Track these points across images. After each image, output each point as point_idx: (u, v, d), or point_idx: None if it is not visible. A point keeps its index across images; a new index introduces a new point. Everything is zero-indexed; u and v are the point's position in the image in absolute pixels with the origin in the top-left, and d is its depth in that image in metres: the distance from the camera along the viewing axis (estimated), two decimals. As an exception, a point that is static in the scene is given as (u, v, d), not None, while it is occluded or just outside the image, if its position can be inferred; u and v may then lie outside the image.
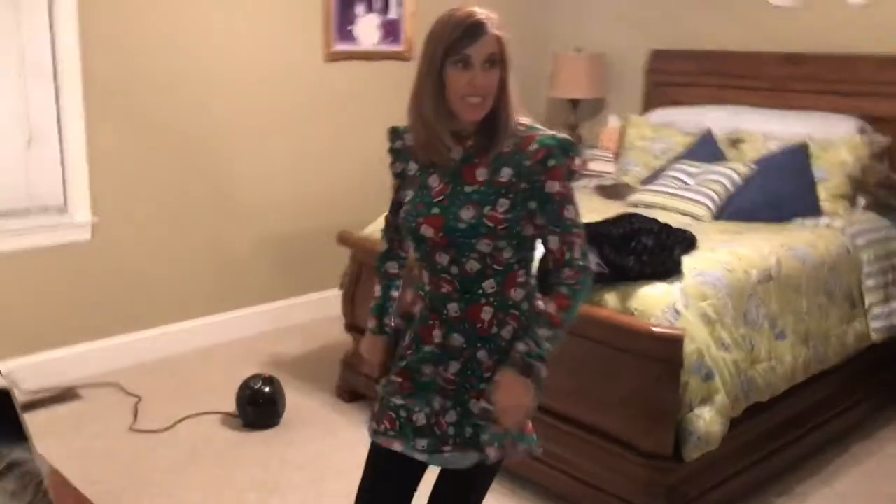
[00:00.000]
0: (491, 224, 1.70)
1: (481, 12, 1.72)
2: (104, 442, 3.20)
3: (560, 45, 5.03)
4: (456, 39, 1.68)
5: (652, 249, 2.68)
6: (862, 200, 3.65)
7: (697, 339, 2.53)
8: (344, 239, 3.49)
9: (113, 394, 3.60)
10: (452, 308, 1.79)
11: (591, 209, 3.64)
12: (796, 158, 3.62)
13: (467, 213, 1.71)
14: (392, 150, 1.89)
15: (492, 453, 1.80)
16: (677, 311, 2.55)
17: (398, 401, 1.84)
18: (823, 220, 3.46)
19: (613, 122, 4.80)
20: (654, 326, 2.46)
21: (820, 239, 3.25)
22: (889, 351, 3.46)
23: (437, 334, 1.81)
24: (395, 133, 1.88)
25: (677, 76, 4.54)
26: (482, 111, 1.71)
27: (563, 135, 1.76)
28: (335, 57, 4.32)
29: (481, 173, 1.73)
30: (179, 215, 3.95)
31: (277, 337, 4.25)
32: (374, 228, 3.48)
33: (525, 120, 1.78)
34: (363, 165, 4.41)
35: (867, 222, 3.49)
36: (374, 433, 1.87)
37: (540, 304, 1.79)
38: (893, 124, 3.80)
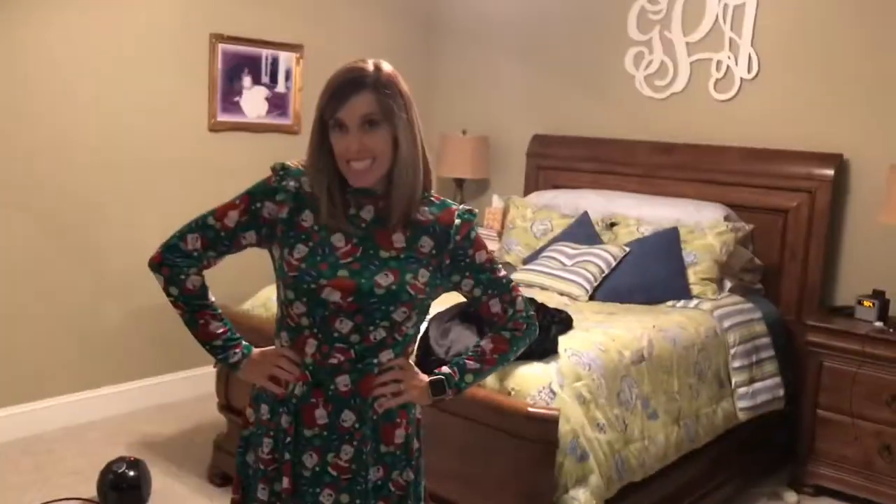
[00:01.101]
0: (412, 293, 1.63)
1: (363, 65, 1.60)
2: (-55, 533, 2.94)
3: (446, 125, 5.15)
4: (326, 102, 1.59)
5: (529, 330, 2.72)
6: (728, 283, 3.83)
7: (572, 420, 2.55)
8: (220, 314, 3.38)
9: (-41, 479, 3.33)
10: (342, 381, 1.64)
11: (473, 288, 3.70)
12: (667, 242, 3.78)
13: (386, 280, 1.61)
14: (279, 188, 1.66)
15: None
16: (553, 392, 2.58)
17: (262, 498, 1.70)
18: (693, 303, 3.61)
19: (497, 202, 4.91)
20: (531, 406, 2.48)
21: (690, 321, 3.38)
22: (753, 430, 3.59)
23: (320, 414, 1.65)
24: (286, 171, 1.68)
25: (557, 160, 4.70)
26: (371, 176, 1.61)
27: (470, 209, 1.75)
28: (219, 127, 4.28)
29: (398, 240, 1.65)
30: (43, 284, 3.76)
31: (148, 416, 4.05)
32: (254, 304, 3.41)
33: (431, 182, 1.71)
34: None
35: (733, 305, 3.65)
36: None
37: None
38: (755, 212, 4.03)
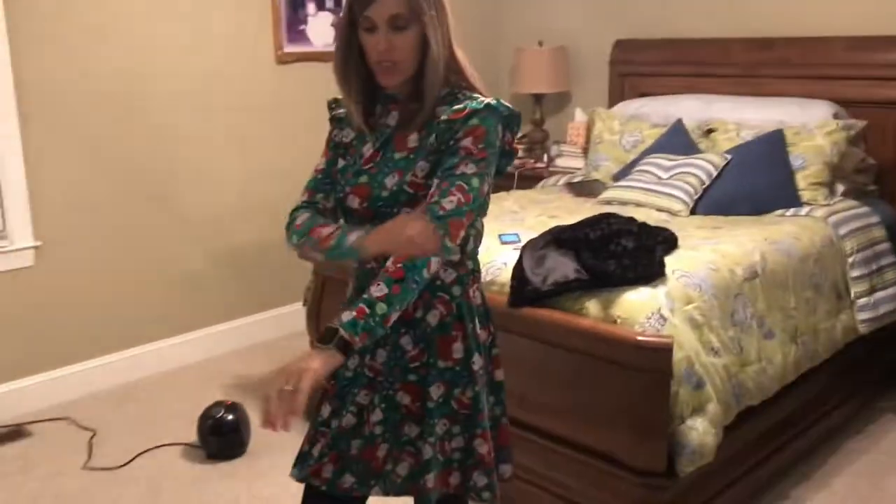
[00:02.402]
0: (411, 191, 1.59)
1: None
2: (57, 483, 2.98)
3: (521, 38, 4.87)
4: (356, 1, 1.58)
5: (633, 252, 2.52)
6: (840, 187, 3.54)
7: (686, 346, 2.37)
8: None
9: (65, 429, 3.37)
10: (375, 286, 1.57)
11: (563, 208, 3.51)
12: (772, 147, 3.49)
13: (391, 181, 1.61)
14: (332, 119, 1.77)
15: (430, 482, 1.66)
16: (663, 317, 2.40)
17: (324, 415, 1.74)
18: (804, 210, 3.34)
19: (580, 116, 4.65)
20: (640, 335, 2.30)
21: (803, 230, 3.12)
22: (875, 343, 3.34)
23: None
24: (336, 102, 1.77)
25: (643, 66, 4.40)
26: (396, 76, 1.60)
27: (505, 103, 1.61)
28: (287, 59, 4.12)
29: (413, 139, 1.62)
30: (128, 234, 3.72)
31: (240, 357, 4.04)
32: (337, 240, 3.29)
33: (478, 85, 1.65)
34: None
35: (848, 210, 3.36)
36: (304, 473, 1.74)
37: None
38: (865, 107, 3.69)
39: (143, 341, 3.84)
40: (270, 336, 4.21)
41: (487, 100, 1.59)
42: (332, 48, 4.13)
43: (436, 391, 1.67)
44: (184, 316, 3.96)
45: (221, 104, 3.94)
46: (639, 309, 2.40)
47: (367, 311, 1.50)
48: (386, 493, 1.72)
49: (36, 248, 3.45)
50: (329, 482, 1.73)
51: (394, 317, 1.53)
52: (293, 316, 3.97)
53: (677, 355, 2.31)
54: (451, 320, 1.66)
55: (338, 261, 1.81)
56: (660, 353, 2.26)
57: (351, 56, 1.63)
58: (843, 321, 3.13)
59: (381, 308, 1.51)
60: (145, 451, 3.17)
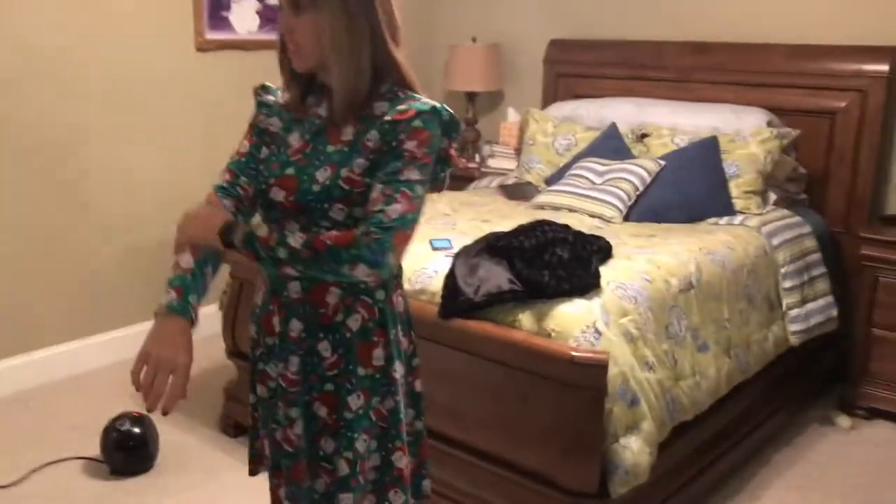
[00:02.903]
0: (346, 187, 1.49)
1: None
2: (-60, 503, 2.72)
3: (454, 35, 4.74)
4: None
5: (567, 262, 2.42)
6: (772, 196, 3.51)
7: (621, 361, 2.28)
8: (221, 254, 3.09)
9: (-47, 441, 3.10)
10: (293, 288, 1.56)
11: (496, 212, 3.40)
12: (706, 153, 3.45)
13: (323, 175, 1.51)
14: (260, 104, 1.69)
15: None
16: (598, 331, 2.30)
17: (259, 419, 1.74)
18: (737, 219, 3.29)
19: (513, 115, 4.55)
20: (574, 350, 2.20)
21: (737, 240, 3.07)
22: (804, 353, 3.32)
23: (276, 321, 1.60)
24: (265, 88, 1.70)
25: (579, 67, 4.31)
26: (301, 60, 1.53)
27: (448, 109, 1.53)
28: (208, 46, 3.89)
29: (348, 132, 1.53)
30: (31, 229, 3.45)
31: (152, 361, 3.79)
32: (256, 241, 3.10)
33: (415, 86, 1.56)
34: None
35: (780, 220, 3.34)
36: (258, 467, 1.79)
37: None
38: (798, 116, 3.68)
39: (46, 344, 3.58)
40: (186, 339, 3.98)
41: (432, 103, 1.51)
42: (256, 36, 4.01)
43: (355, 401, 1.58)
44: (92, 318, 3.71)
45: (137, 95, 3.69)
46: (573, 322, 2.30)
47: (274, 240, 1.45)
48: None
49: (-76, 243, 3.17)
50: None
51: (284, 269, 1.48)
52: (208, 318, 3.74)
53: (612, 371, 2.21)
54: (373, 326, 1.58)
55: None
56: (595, 370, 2.15)
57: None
58: (774, 332, 3.10)
59: (282, 252, 1.45)
60: (42, 467, 2.93)
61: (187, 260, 1.61)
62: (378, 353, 1.59)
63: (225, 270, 3.16)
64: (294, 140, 1.58)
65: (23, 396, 3.44)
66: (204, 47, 3.88)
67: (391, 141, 1.47)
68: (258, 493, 1.88)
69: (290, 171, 1.55)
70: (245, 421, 3.07)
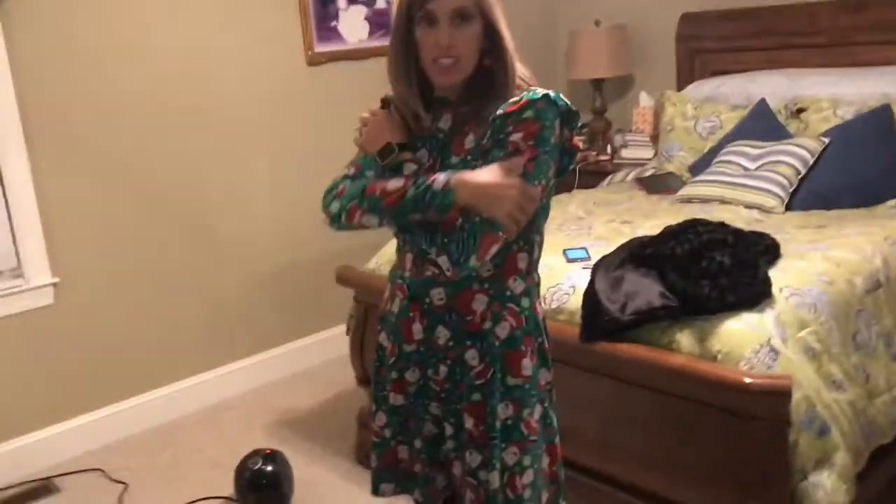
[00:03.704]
0: None
1: None
2: (81, 551, 2.67)
3: (575, 20, 4.41)
4: None
5: (730, 268, 2.08)
6: (960, 168, 3.02)
7: (804, 384, 1.93)
8: (344, 277, 2.92)
9: (96, 482, 3.06)
10: (436, 295, 1.54)
11: (636, 210, 3.08)
12: (878, 125, 2.99)
13: None
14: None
15: None
16: (774, 349, 1.95)
17: (389, 430, 1.69)
18: (923, 200, 2.84)
19: (645, 100, 4.18)
20: (748, 375, 1.86)
21: (927, 225, 2.63)
22: None
23: (416, 329, 1.57)
24: (387, 103, 1.62)
25: (715, 41, 3.90)
26: (456, 74, 1.49)
27: (564, 98, 1.47)
28: (319, 59, 3.74)
29: (469, 141, 1.51)
30: (153, 263, 3.39)
31: (282, 389, 3.69)
32: (379, 262, 2.91)
33: (531, 81, 1.52)
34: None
35: (975, 196, 2.85)
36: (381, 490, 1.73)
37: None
38: (984, 71, 3.16)
39: (177, 378, 3.52)
40: (314, 363, 3.86)
41: (545, 91, 1.46)
42: (366, 44, 3.83)
43: (504, 411, 1.55)
44: (219, 348, 3.63)
45: (249, 115, 3.58)
46: (744, 341, 1.96)
47: (410, 184, 1.45)
48: None
49: (54, 284, 3.14)
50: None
51: (394, 208, 1.46)
52: (336, 340, 3.61)
53: (795, 396, 1.88)
54: (521, 334, 1.55)
55: (403, 221, 1.49)
56: (775, 398, 1.82)
57: (410, 55, 1.51)
58: (979, 329, 2.62)
59: (412, 192, 1.44)
60: (180, 508, 2.85)
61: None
62: (526, 363, 1.55)
63: (349, 296, 3.00)
64: (423, 157, 1.56)
65: (161, 431, 3.40)
66: (315, 61, 3.73)
67: (499, 134, 1.45)
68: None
69: (421, 170, 1.54)
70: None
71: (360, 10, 3.85)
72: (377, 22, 3.90)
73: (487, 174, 1.41)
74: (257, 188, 3.66)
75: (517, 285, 1.54)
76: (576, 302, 2.21)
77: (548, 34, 4.53)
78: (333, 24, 3.78)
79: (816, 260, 2.30)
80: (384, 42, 3.87)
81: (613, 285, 2.13)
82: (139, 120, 3.28)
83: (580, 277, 2.29)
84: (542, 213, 1.54)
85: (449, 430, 1.60)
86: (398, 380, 1.63)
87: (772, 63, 3.63)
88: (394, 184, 1.47)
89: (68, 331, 3.21)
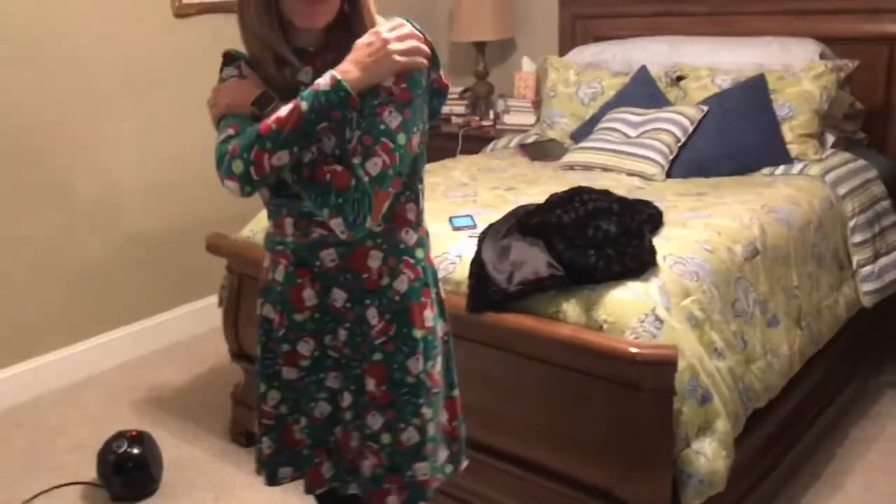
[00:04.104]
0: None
1: None
2: (-78, 547, 2.43)
3: (458, -21, 4.31)
4: None
5: (616, 237, 2.05)
6: (830, 138, 3.12)
7: (688, 353, 1.93)
8: (215, 246, 2.74)
9: (-61, 470, 2.80)
10: (328, 257, 1.47)
11: (520, 177, 3.03)
12: (754, 94, 3.05)
13: (328, 144, 1.37)
14: (239, 76, 1.50)
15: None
16: (659, 318, 1.94)
17: (285, 407, 1.57)
18: (795, 168, 2.92)
19: (528, 65, 4.14)
20: (635, 345, 1.84)
21: (801, 193, 2.70)
22: (874, 313, 2.96)
23: (307, 295, 1.49)
24: (231, 58, 1.53)
25: (599, 6, 3.89)
26: (325, 15, 1.40)
27: (420, 29, 1.42)
28: (186, 10, 3.49)
29: None
30: (7, 227, 3.10)
31: (150, 364, 3.48)
32: (254, 230, 2.75)
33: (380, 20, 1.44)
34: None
35: (843, 165, 2.96)
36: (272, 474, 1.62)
37: None
38: (852, 44, 3.27)
39: (35, 354, 3.25)
40: (184, 336, 3.65)
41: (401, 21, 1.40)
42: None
43: (415, 365, 1.50)
44: (82, 320, 3.37)
45: (111, 68, 3.31)
46: (629, 310, 1.94)
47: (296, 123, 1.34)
48: (361, 494, 1.57)
49: None
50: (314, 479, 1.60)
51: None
52: (208, 311, 3.43)
53: (680, 365, 1.86)
54: (419, 286, 1.51)
55: (311, 141, 1.36)
56: (661, 368, 1.81)
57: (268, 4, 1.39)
58: (845, 294, 2.74)
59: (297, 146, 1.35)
60: (39, 495, 2.62)
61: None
62: (428, 314, 1.52)
63: (222, 264, 2.83)
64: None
65: (15, 412, 3.14)
66: (183, 12, 3.48)
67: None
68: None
69: None
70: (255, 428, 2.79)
71: (232, -39, 3.62)
72: (251, -26, 3.67)
73: (357, 50, 1.35)
74: (120, 148, 3.39)
75: (410, 237, 1.49)
76: (462, 271, 2.14)
77: (430, -7, 4.41)
78: (203, -26, 3.53)
79: (698, 228, 2.31)
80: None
81: (500, 255, 2.06)
82: (-16, 72, 2.97)
83: (466, 246, 2.21)
84: (421, 159, 1.48)
85: (348, 400, 1.53)
86: (291, 352, 1.54)
87: (653, 30, 3.65)
88: (283, 110, 1.35)
89: None
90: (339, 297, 1.48)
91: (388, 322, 1.48)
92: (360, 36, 1.39)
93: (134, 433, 2.61)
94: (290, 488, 2.49)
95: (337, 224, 1.35)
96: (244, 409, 2.82)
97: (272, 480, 1.63)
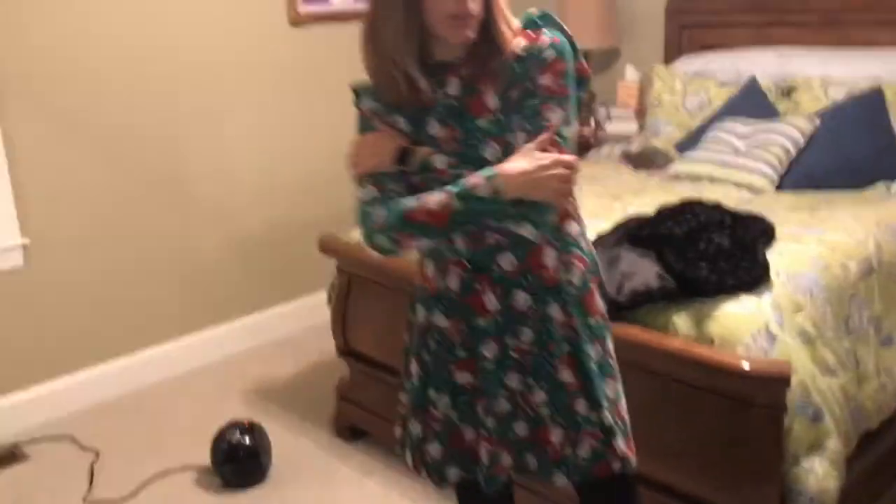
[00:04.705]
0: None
1: None
2: (53, 520, 2.61)
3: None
4: None
5: (729, 251, 2.05)
6: (949, 153, 3.02)
7: (800, 369, 1.92)
8: (328, 247, 2.85)
9: (66, 450, 2.99)
10: (506, 261, 1.50)
11: (625, 186, 3.04)
12: (870, 107, 2.98)
13: (492, 152, 1.43)
14: (365, 114, 1.53)
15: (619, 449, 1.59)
16: (772, 334, 1.93)
17: (455, 412, 1.59)
18: (912, 183, 2.84)
19: (632, 74, 4.13)
20: (746, 360, 1.84)
21: (918, 209, 2.63)
22: None
23: (490, 300, 1.52)
24: (359, 92, 1.54)
25: (706, 14, 3.85)
26: (470, 30, 1.42)
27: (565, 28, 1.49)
28: (303, 20, 3.63)
29: (491, 99, 1.45)
30: (126, 225, 3.29)
31: (260, 356, 3.63)
32: (364, 232, 2.84)
33: (512, 24, 1.48)
34: (343, 143, 3.76)
35: (964, 181, 2.86)
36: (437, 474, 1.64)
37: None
38: (974, 56, 3.16)
39: (151, 343, 3.44)
40: (294, 330, 3.80)
41: (556, 22, 1.47)
42: (352, 6, 3.72)
43: (594, 351, 1.56)
44: (196, 313, 3.55)
45: (230, 75, 3.47)
46: (742, 325, 1.94)
47: (449, 175, 1.44)
48: (569, 478, 1.60)
49: (24, 246, 3.04)
50: (485, 469, 1.60)
51: (446, 206, 1.40)
52: (316, 307, 3.55)
53: (791, 382, 1.85)
54: (589, 274, 1.57)
55: (461, 232, 1.47)
56: (775, 384, 1.80)
57: (413, 14, 1.41)
58: (963, 315, 2.65)
59: (458, 187, 1.41)
60: (154, 478, 2.78)
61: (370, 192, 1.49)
62: (598, 300, 1.59)
63: (332, 263, 2.93)
64: (435, 130, 1.48)
65: (133, 398, 3.32)
66: (298, 21, 3.62)
67: (524, 81, 1.42)
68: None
69: (451, 164, 1.46)
70: (362, 424, 2.88)
71: (346, -29, 3.74)
72: (362, -17, 3.78)
73: (525, 160, 1.39)
74: (237, 150, 3.56)
75: (573, 229, 1.54)
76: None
77: None
78: (318, -17, 3.66)
79: (811, 243, 2.28)
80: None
81: (610, 265, 2.09)
82: (112, 78, 3.16)
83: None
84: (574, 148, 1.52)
85: (541, 397, 1.56)
86: (467, 358, 1.57)
87: (761, 40, 3.60)
88: (435, 202, 1.40)
89: (38, 294, 3.11)
90: (521, 298, 1.52)
91: (569, 315, 1.53)
92: (499, 42, 1.43)
93: (247, 423, 2.74)
94: (391, 484, 2.60)
95: (527, 230, 1.43)
96: (349, 403, 2.93)
97: (442, 482, 1.65)
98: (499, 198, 1.38)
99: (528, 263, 1.50)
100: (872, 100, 2.98)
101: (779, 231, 2.34)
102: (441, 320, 1.58)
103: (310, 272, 3.65)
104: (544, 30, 1.46)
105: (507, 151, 1.42)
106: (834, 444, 1.95)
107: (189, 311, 3.53)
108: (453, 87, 1.47)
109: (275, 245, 3.72)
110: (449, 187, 1.41)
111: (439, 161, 1.47)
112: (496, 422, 1.57)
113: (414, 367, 1.65)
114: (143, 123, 3.27)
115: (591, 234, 2.28)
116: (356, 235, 2.84)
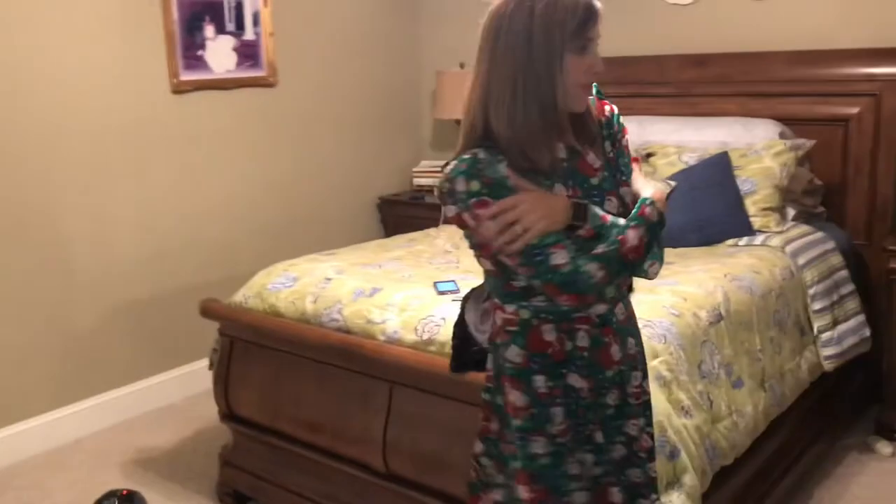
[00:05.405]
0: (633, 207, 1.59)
1: None
2: None
3: (439, 60, 4.54)
4: (582, 22, 1.47)
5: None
6: (790, 211, 3.32)
7: (657, 410, 2.05)
8: (209, 310, 2.86)
9: (-72, 531, 2.85)
10: (620, 311, 1.63)
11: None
12: (718, 170, 3.25)
13: (611, 206, 1.56)
14: (511, 178, 1.49)
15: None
16: (629, 378, 2.08)
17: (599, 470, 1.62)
18: (758, 239, 3.10)
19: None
20: (606, 402, 1.98)
21: (762, 262, 2.87)
22: (837, 377, 3.11)
23: (615, 351, 1.60)
24: (488, 162, 1.49)
25: (573, 87, 4.12)
26: (588, 96, 1.58)
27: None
28: (184, 87, 3.69)
29: (593, 158, 1.59)
30: (1, 294, 3.21)
31: (142, 425, 3.56)
32: (247, 294, 2.88)
33: None
34: (226, 210, 3.80)
35: (803, 237, 3.14)
36: None
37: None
38: (809, 125, 3.50)
39: (24, 417, 3.33)
40: (177, 397, 3.75)
41: (594, 91, 1.63)
42: (234, 74, 3.81)
43: (646, 382, 1.73)
44: (73, 383, 3.46)
45: (111, 142, 3.48)
46: (602, 370, 2.08)
47: (609, 220, 1.52)
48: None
49: None
50: None
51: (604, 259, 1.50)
52: (198, 375, 3.53)
53: (648, 422, 2.00)
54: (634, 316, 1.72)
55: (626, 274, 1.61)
56: (631, 424, 1.93)
57: (555, 89, 1.48)
58: (807, 359, 2.89)
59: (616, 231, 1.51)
60: (26, 555, 2.68)
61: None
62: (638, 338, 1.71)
63: (213, 329, 2.94)
64: (561, 191, 1.55)
65: (7, 474, 3.19)
66: (180, 89, 3.67)
67: (613, 140, 1.63)
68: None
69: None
70: (246, 490, 2.86)
71: (229, 41, 3.83)
72: (245, 53, 3.88)
73: (651, 185, 1.61)
74: (119, 215, 3.54)
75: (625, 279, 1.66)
76: (446, 333, 2.27)
77: (415, 73, 4.63)
78: (200, 52, 3.74)
79: (666, 294, 2.47)
80: (252, 73, 3.88)
81: (483, 317, 2.19)
82: (-10, 143, 3.13)
83: (450, 309, 2.35)
84: None
85: (647, 441, 1.69)
86: (595, 415, 1.62)
87: (625, 109, 3.79)
88: (632, 238, 1.50)
89: None
90: (631, 343, 1.64)
91: (639, 351, 1.69)
92: (590, 109, 1.61)
93: (125, 492, 2.68)
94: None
95: (654, 270, 1.59)
96: (232, 469, 2.91)
97: None
98: (664, 220, 1.55)
99: (630, 309, 1.67)
100: (720, 163, 3.26)
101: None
102: (577, 381, 1.58)
103: (193, 338, 3.63)
104: (605, 99, 1.65)
105: (624, 203, 1.58)
106: (690, 479, 2.09)
107: (64, 383, 3.44)
108: (560, 150, 1.55)
109: (156, 313, 3.69)
110: (627, 220, 1.52)
111: (609, 204, 1.58)
112: (614, 468, 1.64)
113: (538, 448, 1.59)
114: (19, 191, 3.22)
115: (465, 289, 2.41)
116: (238, 298, 2.88)
